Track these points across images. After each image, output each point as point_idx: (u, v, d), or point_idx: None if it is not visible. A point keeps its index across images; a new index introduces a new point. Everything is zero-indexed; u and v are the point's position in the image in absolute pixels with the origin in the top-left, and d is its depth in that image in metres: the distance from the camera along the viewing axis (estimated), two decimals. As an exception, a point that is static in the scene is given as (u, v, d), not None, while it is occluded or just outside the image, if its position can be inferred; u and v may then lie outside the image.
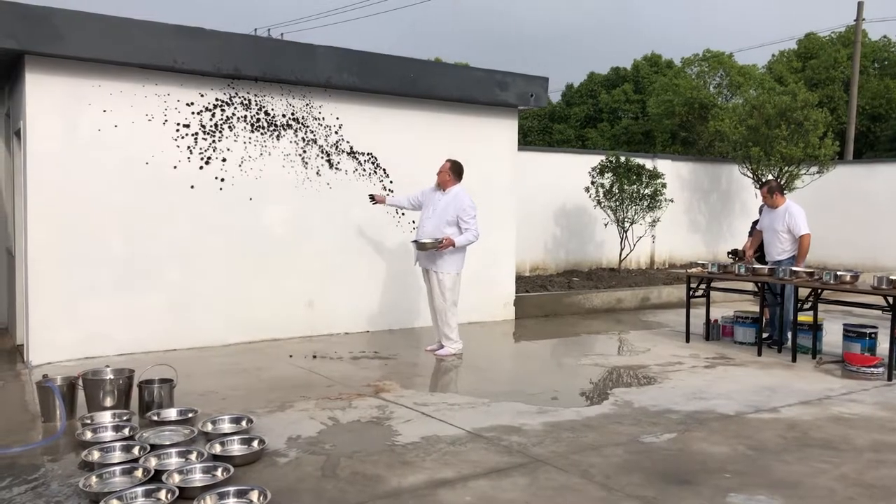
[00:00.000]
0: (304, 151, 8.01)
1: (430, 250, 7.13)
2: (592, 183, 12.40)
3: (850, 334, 7.06)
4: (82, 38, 6.54)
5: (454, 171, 7.29)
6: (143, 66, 6.98)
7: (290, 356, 7.09)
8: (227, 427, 4.78)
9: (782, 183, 14.00)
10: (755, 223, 9.22)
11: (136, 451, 4.26)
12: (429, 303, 7.50)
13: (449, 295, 7.21)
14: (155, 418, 4.92)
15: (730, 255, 9.04)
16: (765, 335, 8.00)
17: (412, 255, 7.66)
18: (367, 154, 8.42)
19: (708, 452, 4.55)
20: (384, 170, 8.53)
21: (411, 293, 8.79)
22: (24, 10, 6.29)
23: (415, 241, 7.28)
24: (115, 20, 6.72)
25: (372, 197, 7.65)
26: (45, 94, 6.61)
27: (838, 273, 7.04)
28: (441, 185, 7.29)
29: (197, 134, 7.37)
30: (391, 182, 8.58)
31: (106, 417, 4.91)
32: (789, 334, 7.66)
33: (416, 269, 8.76)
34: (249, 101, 7.65)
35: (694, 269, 8.34)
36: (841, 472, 4.26)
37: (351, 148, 8.31)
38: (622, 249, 12.79)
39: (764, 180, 8.57)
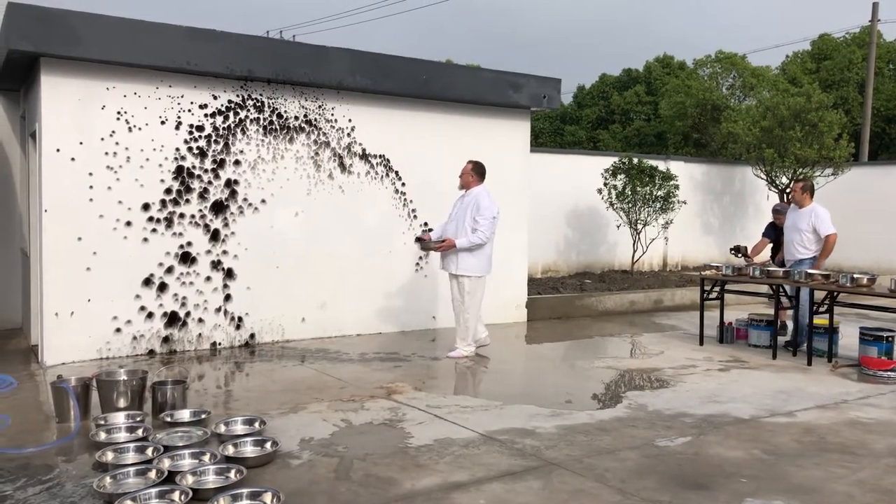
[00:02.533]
0: (317, 154, 8.02)
1: (436, 251, 7.14)
2: (605, 184, 12.35)
3: (867, 338, 6.98)
4: (97, 40, 6.58)
5: (476, 171, 7.22)
6: (157, 68, 7.01)
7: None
8: (240, 428, 4.78)
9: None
10: (770, 224, 9.17)
11: (149, 452, 4.27)
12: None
13: (468, 298, 7.09)
14: (168, 419, 4.93)
15: (732, 252, 9.01)
16: (786, 340, 7.96)
17: (437, 260, 7.60)
18: (380, 156, 8.42)
19: (723, 457, 4.51)
20: (396, 172, 8.53)
21: (423, 295, 8.78)
22: (39, 13, 6.32)
23: (418, 239, 7.29)
24: (129, 22, 6.75)
25: (420, 240, 7.37)
26: (59, 97, 6.65)
27: (855, 276, 6.97)
28: (464, 187, 7.24)
29: (210, 136, 7.39)
30: (403, 185, 8.57)
31: (119, 418, 4.92)
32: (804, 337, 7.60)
33: (427, 270, 8.78)
34: (262, 103, 7.66)
35: (708, 272, 8.28)
36: (858, 478, 4.21)
37: (363, 150, 8.31)
38: (635, 251, 12.73)
39: (798, 178, 8.60)
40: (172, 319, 7.26)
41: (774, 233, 9.07)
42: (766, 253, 9.46)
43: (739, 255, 8.86)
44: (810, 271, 7.39)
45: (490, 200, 7.07)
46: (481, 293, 7.21)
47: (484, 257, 7.12)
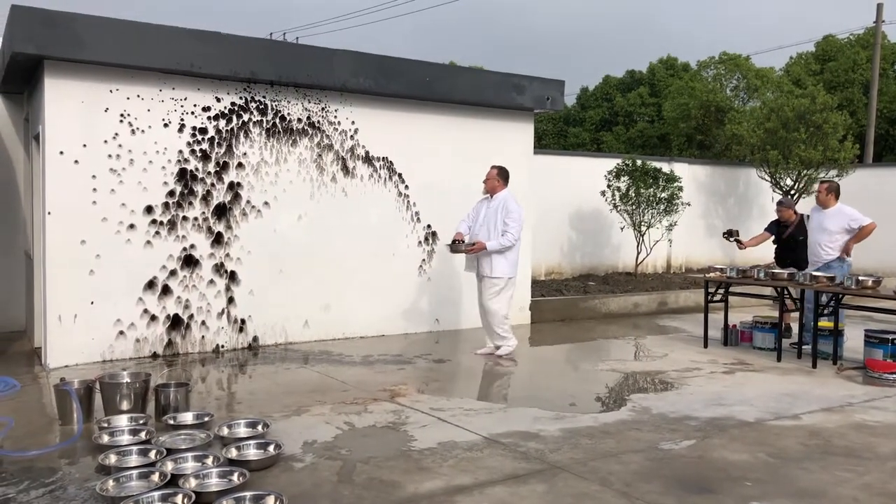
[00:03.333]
0: (320, 157, 8.01)
1: (466, 253, 7.26)
2: (608, 186, 12.33)
3: (872, 340, 6.94)
4: (101, 42, 6.58)
5: (501, 176, 7.41)
6: (160, 71, 7.02)
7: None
8: (242, 431, 4.77)
9: (801, 186, 13.88)
10: (773, 221, 9.16)
11: (152, 455, 4.26)
12: (479, 307, 7.52)
13: (501, 297, 7.29)
14: (171, 422, 4.92)
15: (725, 235, 9.02)
16: (791, 342, 7.94)
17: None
18: (383, 159, 8.41)
19: (728, 460, 4.49)
20: (399, 175, 8.51)
21: (427, 298, 8.77)
22: (43, 16, 6.33)
23: (448, 245, 7.41)
24: (132, 25, 6.76)
25: (453, 242, 7.34)
26: (63, 99, 6.66)
27: (860, 278, 6.94)
28: (489, 192, 7.40)
29: (213, 139, 7.39)
30: (406, 187, 8.56)
31: (122, 421, 4.91)
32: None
33: (431, 273, 8.78)
34: (265, 105, 7.66)
35: (712, 274, 8.26)
36: (865, 481, 4.18)
37: (366, 153, 8.30)
38: (638, 253, 12.70)
39: (823, 179, 8.67)
40: (175, 322, 7.26)
41: (777, 229, 9.04)
42: (764, 250, 9.43)
43: (732, 238, 8.87)
44: (816, 274, 7.38)
45: (517, 204, 7.29)
46: (511, 293, 7.42)
47: (513, 259, 7.32)
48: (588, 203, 12.96)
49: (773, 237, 9.06)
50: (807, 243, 8.31)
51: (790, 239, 8.83)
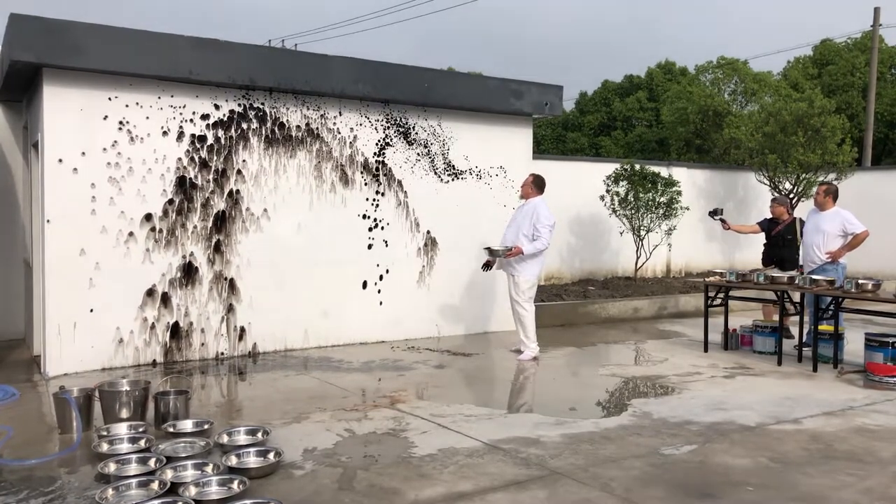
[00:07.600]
0: (319, 164, 8.01)
1: (505, 258, 7.50)
2: (607, 191, 12.32)
3: (873, 343, 6.94)
4: (99, 50, 6.59)
5: (535, 184, 7.73)
6: (159, 78, 7.02)
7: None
8: (242, 439, 4.76)
9: (799, 190, 13.88)
10: (766, 219, 9.23)
11: (152, 463, 4.25)
12: (511, 302, 7.80)
13: (525, 296, 7.54)
14: (171, 430, 4.91)
15: (710, 213, 9.12)
16: (795, 344, 7.96)
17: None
18: (381, 164, 8.41)
19: (729, 465, 4.48)
20: (399, 182, 8.51)
21: (427, 304, 8.76)
22: (42, 24, 6.34)
23: (487, 248, 7.67)
24: (131, 33, 6.76)
25: (489, 249, 7.65)
26: (62, 107, 6.65)
27: (859, 281, 6.94)
28: (524, 197, 7.77)
29: (212, 147, 7.39)
30: (405, 195, 8.56)
31: (122, 429, 4.90)
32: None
33: (431, 279, 8.77)
34: (264, 112, 7.66)
35: (712, 278, 8.26)
36: (866, 486, 4.17)
37: (365, 160, 8.31)
38: (638, 258, 12.69)
39: (822, 181, 8.74)
40: (175, 331, 7.24)
41: (768, 226, 9.09)
42: (755, 247, 9.48)
43: (717, 217, 8.94)
44: (815, 277, 7.38)
45: (548, 211, 7.55)
46: (534, 293, 7.68)
47: (539, 260, 7.62)
48: (587, 208, 12.95)
49: (763, 233, 9.15)
50: (794, 243, 8.37)
51: (778, 237, 8.90)
